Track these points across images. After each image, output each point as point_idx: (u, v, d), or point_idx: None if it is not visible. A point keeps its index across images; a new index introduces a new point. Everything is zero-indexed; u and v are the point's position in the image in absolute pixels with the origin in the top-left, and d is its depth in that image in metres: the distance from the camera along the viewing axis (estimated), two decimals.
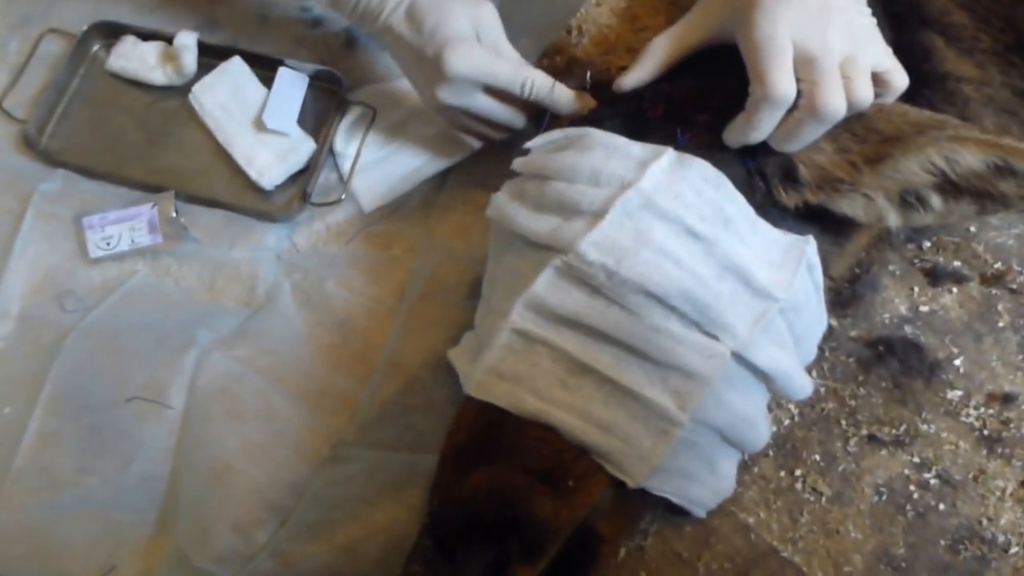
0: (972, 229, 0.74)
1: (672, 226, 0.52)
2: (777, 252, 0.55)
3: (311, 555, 0.60)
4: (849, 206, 0.57)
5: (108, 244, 0.74)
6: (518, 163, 0.60)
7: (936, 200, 0.57)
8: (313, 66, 0.80)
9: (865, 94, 0.53)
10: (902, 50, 0.61)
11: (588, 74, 0.69)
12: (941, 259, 0.73)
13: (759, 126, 0.53)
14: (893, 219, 0.58)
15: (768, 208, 0.56)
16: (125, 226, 0.74)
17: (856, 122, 0.55)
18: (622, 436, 0.52)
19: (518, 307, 0.53)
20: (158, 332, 0.68)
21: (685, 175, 0.53)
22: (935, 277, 0.72)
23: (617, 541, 0.59)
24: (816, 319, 0.59)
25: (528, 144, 0.61)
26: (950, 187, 0.56)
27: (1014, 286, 0.71)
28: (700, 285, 0.51)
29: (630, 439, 0.52)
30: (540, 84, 0.65)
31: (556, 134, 0.59)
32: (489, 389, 0.53)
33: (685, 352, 0.51)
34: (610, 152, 0.55)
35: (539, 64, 0.80)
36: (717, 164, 0.54)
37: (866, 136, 0.55)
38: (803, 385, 0.57)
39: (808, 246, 0.55)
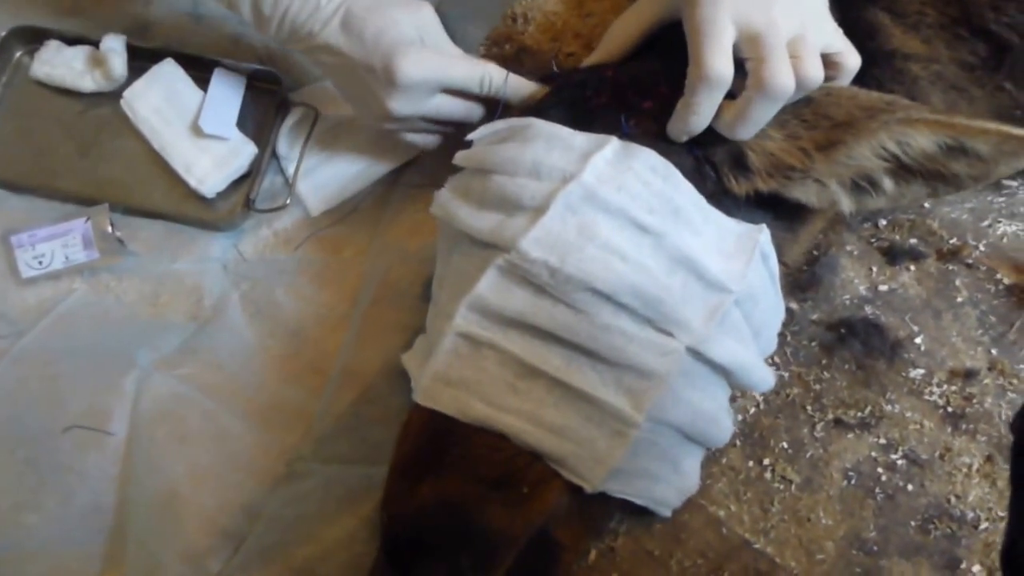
0: (927, 205, 0.69)
1: (617, 219, 0.47)
2: (730, 241, 0.50)
3: None
4: (802, 192, 0.52)
5: (40, 263, 0.65)
6: (460, 157, 0.54)
7: (888, 184, 0.52)
8: (251, 66, 0.72)
9: (814, 73, 0.48)
10: (848, 28, 0.57)
11: (553, 62, 0.63)
12: (898, 237, 0.68)
13: (698, 109, 0.48)
14: (846, 204, 0.53)
15: (720, 197, 0.51)
16: (58, 243, 0.66)
17: (805, 107, 0.51)
18: (576, 440, 0.47)
19: (462, 309, 0.48)
20: (96, 355, 0.61)
21: (631, 165, 0.48)
22: (892, 256, 0.67)
23: (578, 547, 0.54)
24: (774, 309, 0.54)
25: (470, 136, 0.55)
26: (902, 170, 0.52)
27: (970, 261, 0.67)
28: (650, 280, 0.46)
29: (584, 442, 0.47)
30: (497, 78, 0.59)
31: (499, 124, 0.54)
32: (436, 396, 0.48)
33: (638, 350, 0.46)
34: (552, 143, 0.49)
35: (487, 53, 0.74)
36: (664, 153, 0.49)
37: (816, 122, 0.50)
38: (763, 377, 0.52)
39: (761, 235, 0.50)
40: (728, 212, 0.51)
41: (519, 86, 0.60)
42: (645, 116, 0.51)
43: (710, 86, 0.47)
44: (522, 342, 0.47)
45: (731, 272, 0.48)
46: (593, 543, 0.58)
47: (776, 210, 0.54)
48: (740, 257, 0.49)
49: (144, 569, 0.55)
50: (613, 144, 0.49)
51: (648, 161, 0.48)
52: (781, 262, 0.55)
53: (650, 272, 0.47)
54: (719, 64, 0.47)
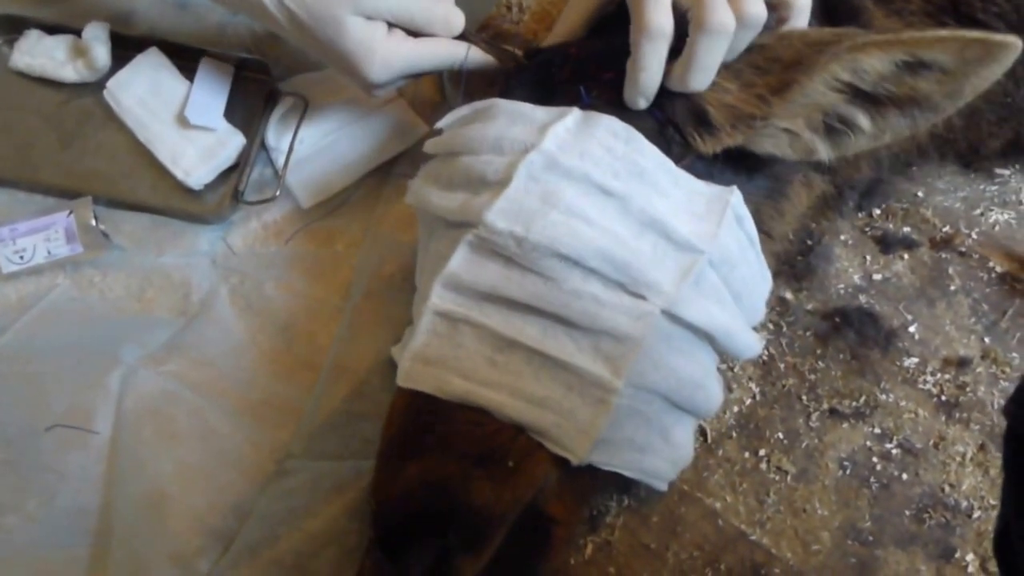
0: (920, 194, 0.67)
1: (581, 185, 0.45)
2: (700, 204, 0.48)
3: None
4: (774, 144, 0.50)
5: (22, 258, 0.62)
6: (429, 144, 0.53)
7: (863, 119, 0.49)
8: (239, 55, 0.68)
9: (755, 9, 0.46)
10: (831, 9, 0.55)
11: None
12: (891, 226, 0.66)
13: (644, 64, 0.46)
14: (823, 150, 0.50)
15: (694, 162, 0.49)
16: (39, 236, 0.62)
17: (757, 54, 0.48)
18: (557, 410, 0.45)
19: (437, 288, 0.46)
20: (79, 352, 0.57)
21: (592, 133, 0.46)
22: (886, 244, 0.65)
23: (571, 521, 0.51)
24: (756, 274, 0.52)
25: (439, 124, 0.53)
26: (869, 100, 0.49)
27: (963, 249, 0.65)
28: (617, 243, 0.44)
29: (566, 412, 0.45)
30: (459, 56, 0.56)
31: (464, 109, 0.52)
32: (415, 376, 0.46)
33: (611, 315, 0.44)
34: (514, 119, 0.48)
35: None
36: (626, 119, 0.47)
37: (769, 67, 0.48)
38: (748, 343, 0.49)
39: (733, 196, 0.48)
40: (703, 177, 0.49)
41: (481, 59, 0.57)
42: (606, 86, 0.50)
43: (651, 38, 0.46)
44: (498, 315, 0.45)
45: (701, 233, 0.46)
46: (590, 536, 0.56)
47: (751, 173, 0.52)
48: (711, 218, 0.47)
49: (130, 572, 0.51)
50: (574, 114, 0.47)
51: (610, 127, 0.47)
52: (764, 231, 0.53)
53: (617, 236, 0.45)
54: (658, 17, 0.45)
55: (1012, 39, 0.44)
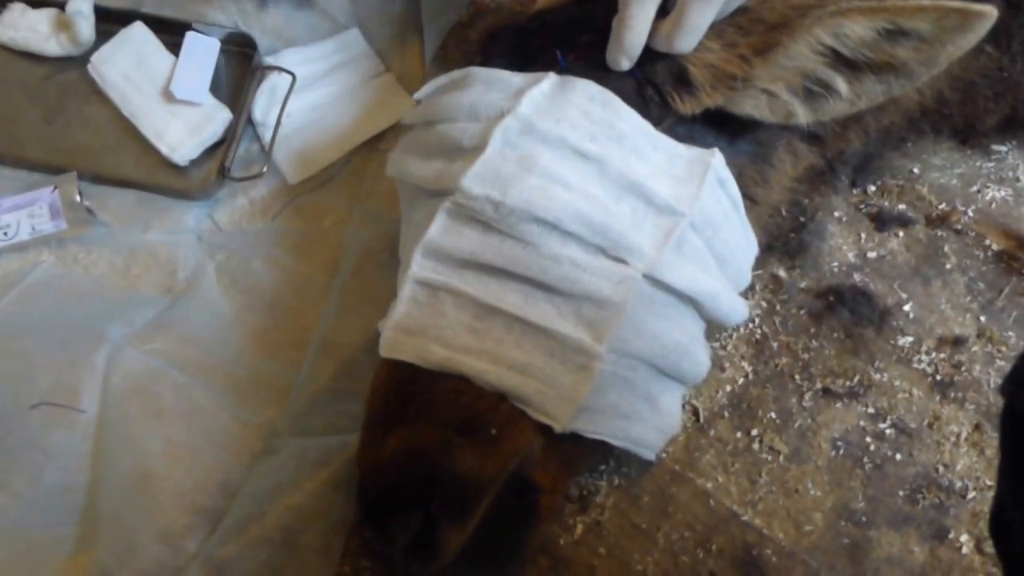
0: (915, 170, 0.65)
1: (558, 149, 0.44)
2: (680, 166, 0.46)
3: (246, 557, 0.49)
4: (753, 106, 0.48)
5: (6, 234, 0.60)
6: (408, 115, 0.52)
7: (841, 83, 0.48)
8: (225, 29, 0.66)
9: None
10: None
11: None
12: (886, 203, 0.64)
13: (631, 23, 0.45)
14: (802, 113, 0.49)
15: (674, 126, 0.47)
16: (23, 212, 0.60)
17: (741, 16, 0.48)
18: (539, 377, 0.44)
19: (416, 257, 0.45)
20: (64, 329, 0.55)
21: (569, 97, 0.45)
22: (881, 221, 0.63)
23: (556, 490, 0.50)
24: (740, 238, 0.50)
25: (417, 95, 0.52)
26: (847, 65, 0.48)
27: (959, 226, 0.63)
28: (596, 206, 0.43)
29: (548, 379, 0.44)
30: None
31: (442, 78, 0.51)
32: (397, 346, 0.45)
33: (591, 279, 0.43)
34: (490, 85, 0.47)
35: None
36: (604, 81, 0.46)
37: (752, 28, 0.47)
38: (734, 306, 0.48)
39: (713, 158, 0.46)
40: (683, 141, 0.47)
41: None
42: (584, 49, 0.48)
43: None
44: (477, 282, 0.44)
45: (682, 195, 0.45)
46: (580, 516, 0.54)
47: (732, 137, 0.50)
48: (691, 181, 0.46)
49: (118, 550, 0.50)
50: (550, 79, 0.46)
51: (587, 91, 0.45)
52: (749, 197, 0.51)
53: (596, 199, 0.43)
54: None
55: (988, 9, 0.44)
